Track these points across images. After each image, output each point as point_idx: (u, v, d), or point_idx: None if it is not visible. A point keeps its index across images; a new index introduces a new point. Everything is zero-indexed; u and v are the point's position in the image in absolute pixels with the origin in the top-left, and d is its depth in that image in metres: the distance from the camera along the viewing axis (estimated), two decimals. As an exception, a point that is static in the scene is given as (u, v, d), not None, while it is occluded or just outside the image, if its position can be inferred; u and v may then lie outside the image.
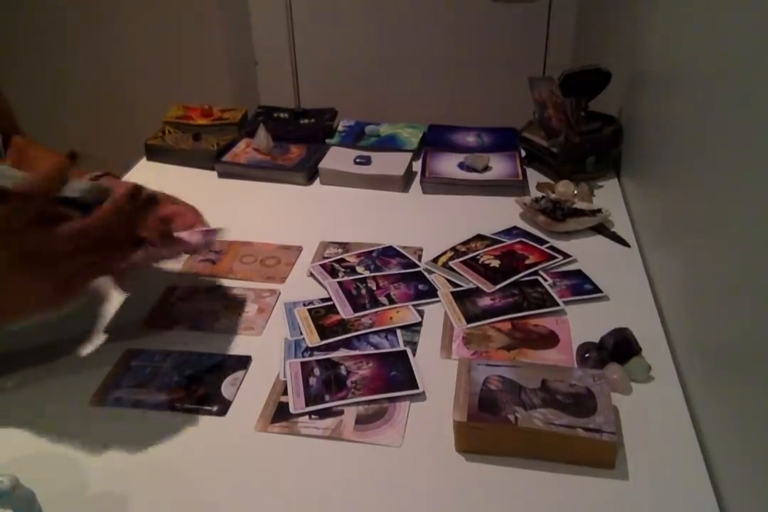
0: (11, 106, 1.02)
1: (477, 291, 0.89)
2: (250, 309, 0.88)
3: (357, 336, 0.82)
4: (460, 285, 0.91)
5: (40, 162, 0.94)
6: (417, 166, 1.23)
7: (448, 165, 1.21)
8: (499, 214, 1.08)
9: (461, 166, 1.20)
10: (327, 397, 0.72)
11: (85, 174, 0.88)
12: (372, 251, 0.99)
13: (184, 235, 0.81)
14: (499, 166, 1.20)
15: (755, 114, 0.62)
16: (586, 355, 0.76)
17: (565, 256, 0.96)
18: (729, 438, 0.64)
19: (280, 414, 0.71)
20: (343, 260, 0.97)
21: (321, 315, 0.86)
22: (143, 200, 0.67)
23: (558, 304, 0.86)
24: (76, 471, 0.65)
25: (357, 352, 0.79)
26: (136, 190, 0.66)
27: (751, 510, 0.57)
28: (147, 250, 0.74)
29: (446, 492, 0.63)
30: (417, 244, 1.01)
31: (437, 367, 0.77)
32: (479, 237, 1.02)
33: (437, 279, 0.92)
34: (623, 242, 1.01)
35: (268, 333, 0.84)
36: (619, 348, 0.76)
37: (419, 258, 0.98)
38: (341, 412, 0.71)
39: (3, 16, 2.32)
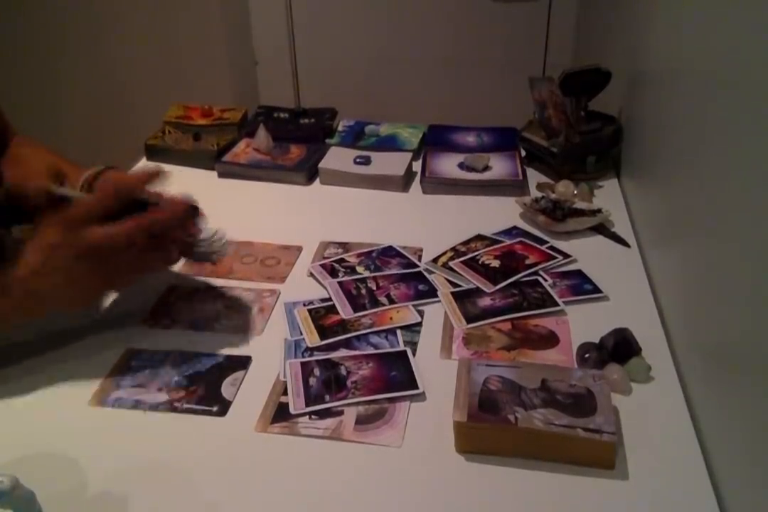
0: (0, 105, 1.02)
1: (477, 292, 0.89)
2: (250, 309, 0.88)
3: (357, 337, 0.82)
4: (460, 286, 0.91)
5: (32, 160, 0.94)
6: (417, 166, 1.23)
7: (448, 165, 1.21)
8: (499, 214, 1.08)
9: (461, 166, 1.20)
10: (327, 397, 0.72)
11: (88, 169, 0.89)
12: (372, 251, 0.99)
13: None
14: (499, 166, 1.20)
15: (755, 114, 0.62)
16: (586, 355, 0.76)
17: (565, 256, 0.96)
18: (729, 438, 0.64)
19: (280, 414, 0.71)
20: (343, 260, 0.97)
21: (321, 315, 0.86)
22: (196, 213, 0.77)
23: (558, 304, 0.86)
24: (76, 471, 0.65)
25: (357, 352, 0.79)
26: (195, 207, 0.76)
27: (751, 510, 0.57)
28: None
29: (446, 492, 0.63)
30: (417, 244, 1.01)
31: (437, 367, 0.77)
32: (479, 237, 1.01)
33: (437, 279, 0.92)
34: (623, 242, 1.01)
35: (268, 333, 0.83)
36: (619, 348, 0.76)
37: (419, 258, 0.98)
38: (341, 412, 0.71)
39: (3, 16, 2.32)
